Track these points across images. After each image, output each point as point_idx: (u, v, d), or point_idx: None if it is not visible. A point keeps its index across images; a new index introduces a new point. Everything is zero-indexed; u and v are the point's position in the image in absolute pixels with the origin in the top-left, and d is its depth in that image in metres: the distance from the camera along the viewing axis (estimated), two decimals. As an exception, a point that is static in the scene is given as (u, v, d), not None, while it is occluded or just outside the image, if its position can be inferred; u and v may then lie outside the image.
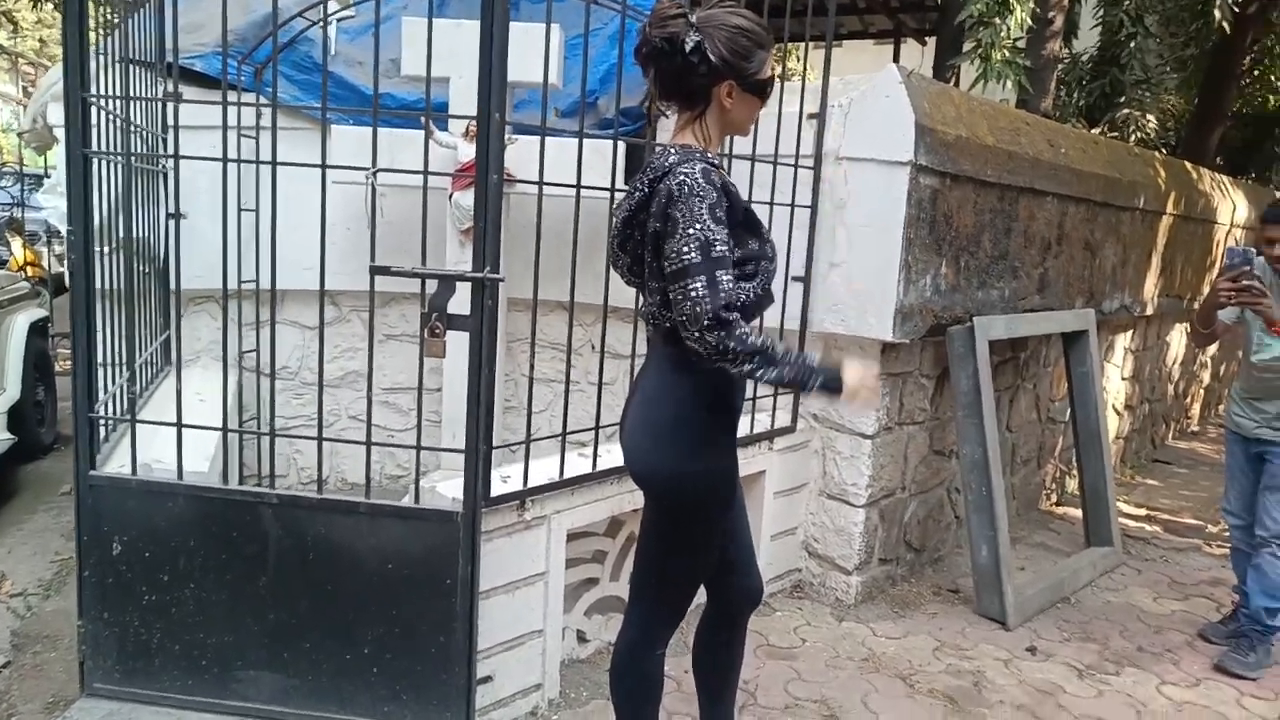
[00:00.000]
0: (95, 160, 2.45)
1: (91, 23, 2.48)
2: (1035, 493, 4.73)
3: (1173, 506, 5.09)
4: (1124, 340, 5.28)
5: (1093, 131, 5.58)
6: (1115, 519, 4.12)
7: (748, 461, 3.21)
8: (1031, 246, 3.79)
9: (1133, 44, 5.63)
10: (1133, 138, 5.74)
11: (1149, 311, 5.16)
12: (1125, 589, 3.84)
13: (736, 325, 1.63)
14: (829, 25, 3.31)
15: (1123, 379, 5.38)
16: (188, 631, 2.47)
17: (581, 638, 2.95)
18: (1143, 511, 4.96)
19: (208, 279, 2.65)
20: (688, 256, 1.65)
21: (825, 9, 3.28)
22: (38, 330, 4.83)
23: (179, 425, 2.46)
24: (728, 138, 1.99)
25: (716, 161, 1.81)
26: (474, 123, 3.17)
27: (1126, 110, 5.69)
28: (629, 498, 2.85)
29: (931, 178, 3.17)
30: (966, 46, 4.36)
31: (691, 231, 1.65)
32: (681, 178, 1.69)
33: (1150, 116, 5.73)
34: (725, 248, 1.66)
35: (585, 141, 2.56)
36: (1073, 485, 4.96)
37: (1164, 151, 6.04)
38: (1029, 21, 4.32)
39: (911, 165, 3.07)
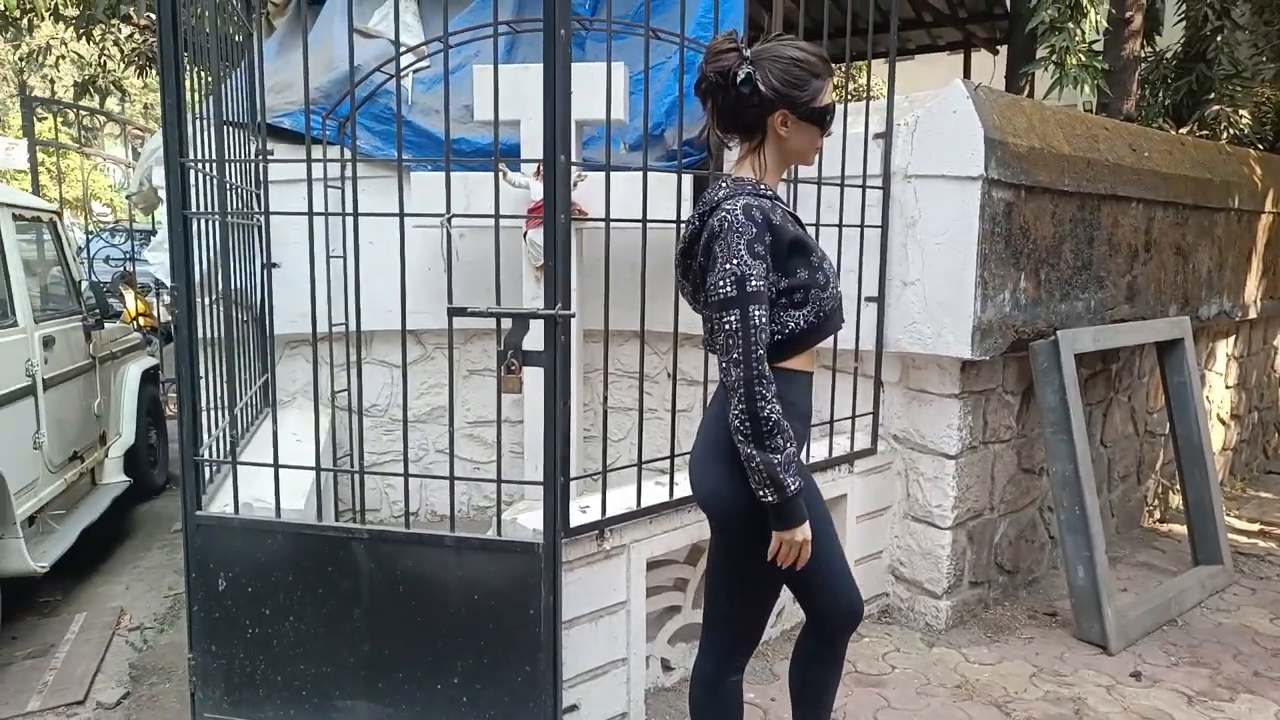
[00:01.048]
0: (194, 220, 2.62)
1: (189, 86, 2.67)
2: (1136, 510, 4.52)
3: (1290, 520, 4.79)
4: (1226, 346, 5.02)
5: (1181, 131, 5.36)
6: (1224, 535, 3.91)
7: (828, 485, 3.19)
8: (1117, 255, 3.66)
9: (1219, 37, 5.40)
10: (1225, 135, 5.48)
11: (1252, 315, 4.90)
12: (1238, 610, 3.63)
13: (760, 377, 1.73)
14: (891, 41, 3.30)
15: (1227, 387, 5.11)
16: (289, 663, 2.59)
17: (666, 666, 2.97)
18: (1255, 526, 4.68)
19: (301, 324, 2.79)
20: (724, 290, 1.74)
21: (888, 26, 3.28)
22: (149, 378, 5.15)
23: (276, 465, 2.60)
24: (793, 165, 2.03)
25: (769, 193, 1.86)
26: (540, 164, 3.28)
27: (1217, 107, 5.45)
28: (708, 525, 2.85)
29: (1005, 191, 3.11)
30: (1040, 53, 4.25)
31: (729, 267, 1.74)
32: (724, 214, 1.77)
33: (1243, 111, 5.48)
34: (762, 283, 1.74)
35: (652, 174, 2.61)
36: (1177, 501, 4.72)
37: (1261, 147, 5.75)
38: (1104, 23, 4.20)
39: (983, 179, 3.02)
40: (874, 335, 3.29)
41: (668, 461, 2.77)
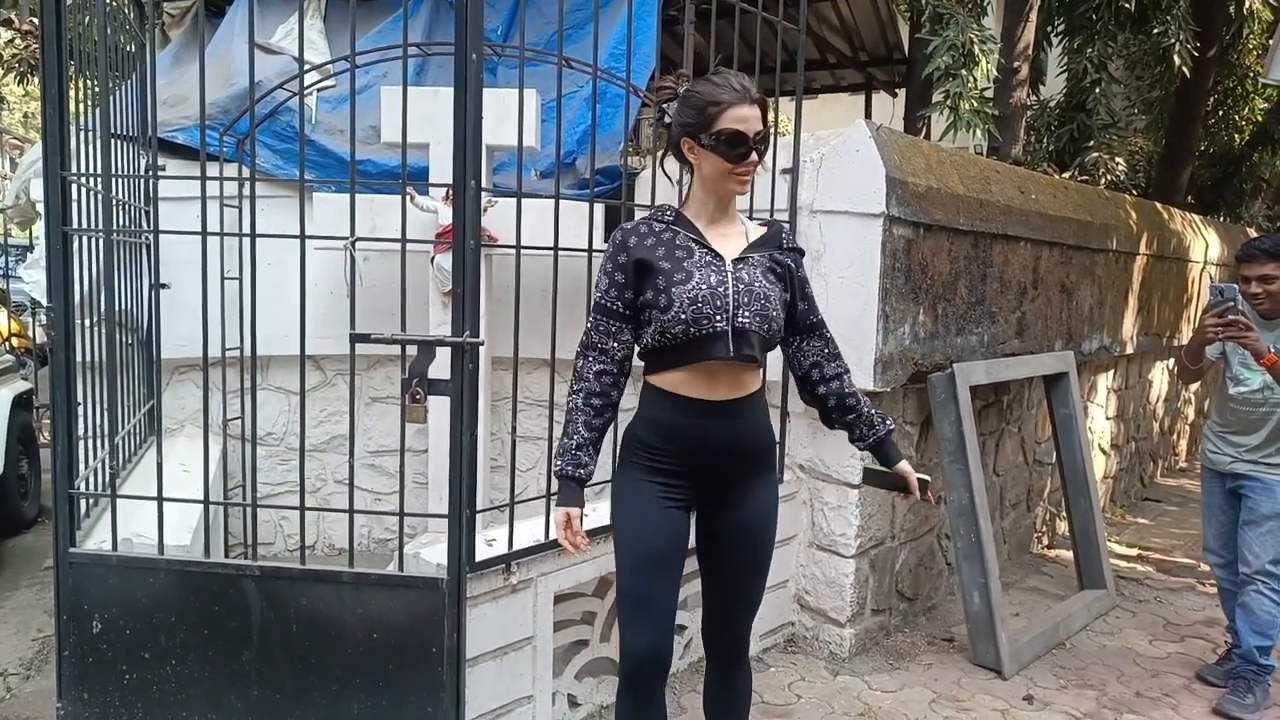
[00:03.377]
0: (75, 237, 2.46)
1: (74, 97, 2.52)
2: (1026, 536, 4.72)
3: (1164, 545, 5.08)
4: (1106, 380, 5.32)
5: (1064, 175, 5.69)
6: (1107, 560, 4.11)
7: (735, 515, 3.20)
8: (1008, 291, 3.84)
9: (1098, 89, 5.78)
10: (1103, 180, 5.85)
11: (1129, 350, 5.21)
12: (1120, 632, 3.81)
13: (579, 365, 2.05)
14: (798, 80, 3.39)
15: (1107, 418, 5.41)
16: (170, 710, 2.43)
17: (573, 702, 2.91)
18: (1134, 551, 4.94)
19: (191, 348, 2.66)
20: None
21: (794, 65, 3.37)
22: (21, 403, 4.81)
23: (159, 499, 2.44)
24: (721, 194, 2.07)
25: (667, 216, 2.03)
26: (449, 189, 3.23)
27: (1096, 154, 5.81)
28: (610, 559, 2.82)
29: (905, 228, 3.22)
30: (935, 98, 4.46)
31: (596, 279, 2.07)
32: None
33: (1119, 159, 5.86)
34: (600, 294, 2.02)
35: (564, 202, 2.60)
36: (1063, 527, 4.94)
37: (1134, 193, 6.16)
38: (994, 72, 4.44)
39: (884, 217, 3.13)
40: (779, 366, 3.33)
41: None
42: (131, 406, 3.33)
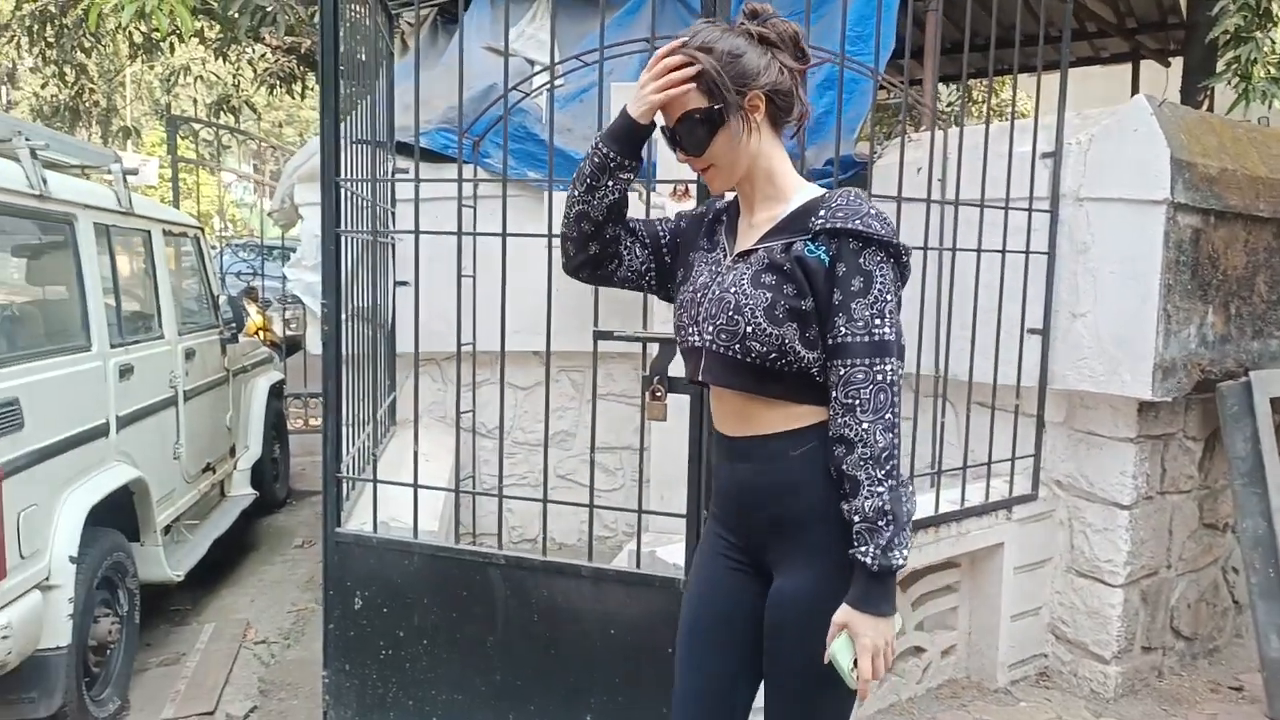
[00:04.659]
0: (345, 238, 2.61)
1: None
2: (1320, 572, 4.07)
3: None
4: None
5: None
6: None
7: (984, 533, 2.95)
8: (1316, 288, 3.31)
9: None
10: None
11: None
12: None
13: None
14: (1064, 54, 3.07)
15: None
16: (420, 687, 2.53)
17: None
18: None
19: (429, 343, 2.74)
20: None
21: (1044, 38, 3.05)
22: (275, 392, 5.26)
23: (415, 485, 2.54)
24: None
25: (725, 203, 1.68)
26: (680, 184, 3.18)
27: None
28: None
29: (1192, 216, 2.83)
30: (1220, 66, 3.93)
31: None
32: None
33: None
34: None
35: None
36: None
37: None
38: (1294, 33, 3.86)
39: (1168, 204, 2.76)
40: (1037, 371, 3.04)
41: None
42: (379, 399, 3.53)
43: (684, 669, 1.64)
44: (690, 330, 1.55)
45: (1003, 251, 2.92)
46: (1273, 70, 3.68)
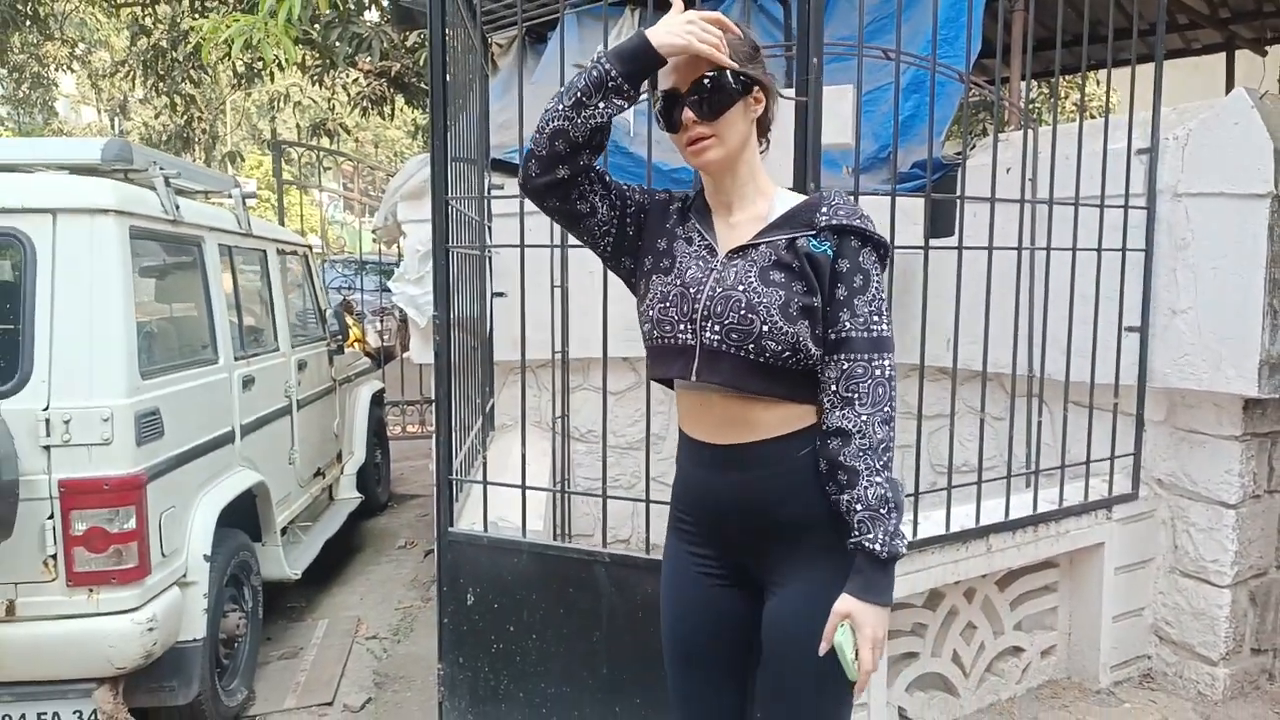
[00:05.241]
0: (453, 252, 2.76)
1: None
2: None
3: None
4: None
5: None
6: None
7: (1084, 532, 2.93)
8: None
9: None
10: None
11: None
12: None
13: None
14: (1158, 47, 3.03)
15: None
16: (530, 680, 2.64)
17: (903, 715, 2.80)
18: None
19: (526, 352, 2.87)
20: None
21: (1153, 30, 3.02)
22: (376, 400, 5.51)
23: (523, 487, 2.67)
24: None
25: (687, 196, 1.64)
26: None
27: None
28: (951, 568, 2.69)
29: (1298, 209, 2.77)
30: (1318, 56, 3.81)
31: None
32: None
33: None
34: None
35: (881, 198, 2.53)
36: None
37: None
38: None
39: (1272, 197, 2.71)
40: (1135, 369, 3.00)
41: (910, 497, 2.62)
42: (479, 404, 3.69)
43: (683, 698, 1.62)
44: (682, 327, 1.47)
45: (1099, 250, 2.90)
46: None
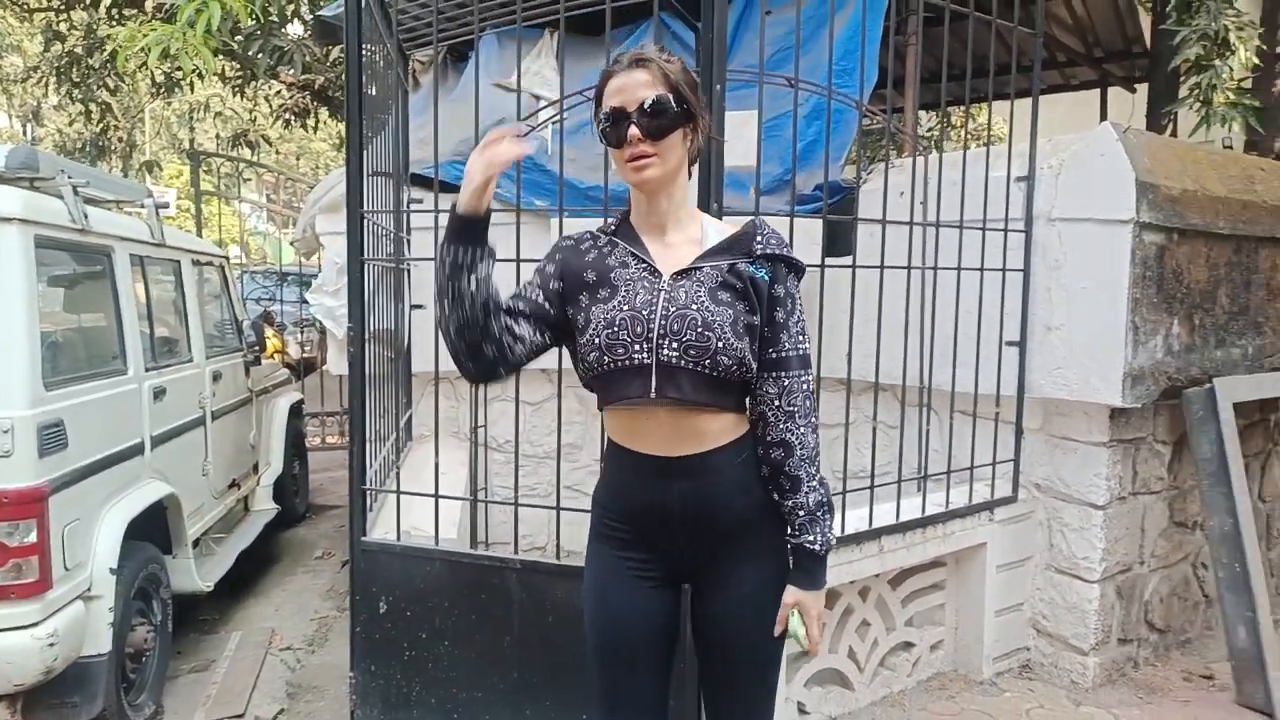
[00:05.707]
0: (369, 266, 2.82)
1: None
2: (1297, 570, 4.24)
3: None
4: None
5: (1337, 169, 5.08)
6: (1403, 601, 3.62)
7: (968, 534, 3.13)
8: (1277, 299, 3.50)
9: (1379, 71, 5.13)
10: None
11: None
12: None
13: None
14: (1035, 83, 3.28)
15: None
16: (442, 686, 2.70)
17: (802, 709, 2.94)
18: None
19: (442, 363, 2.92)
20: None
21: (1029, 66, 3.26)
22: (294, 411, 5.47)
23: (436, 496, 2.74)
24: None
25: (607, 227, 1.71)
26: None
27: (1377, 143, 5.16)
28: (847, 569, 2.85)
29: (1156, 234, 3.03)
30: (1183, 92, 4.15)
31: None
32: None
33: None
34: (520, 287, 1.71)
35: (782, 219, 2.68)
36: (1343, 562, 4.40)
37: None
38: (1255, 60, 4.06)
39: (1134, 223, 2.96)
40: (1015, 380, 3.23)
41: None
42: (397, 415, 3.73)
43: (610, 695, 1.69)
44: (637, 347, 1.53)
45: (981, 269, 3.12)
46: (1231, 95, 3.89)
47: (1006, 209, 3.16)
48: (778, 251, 1.60)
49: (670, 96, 1.52)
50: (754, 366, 1.58)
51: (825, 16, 3.04)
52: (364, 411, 2.76)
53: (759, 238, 1.60)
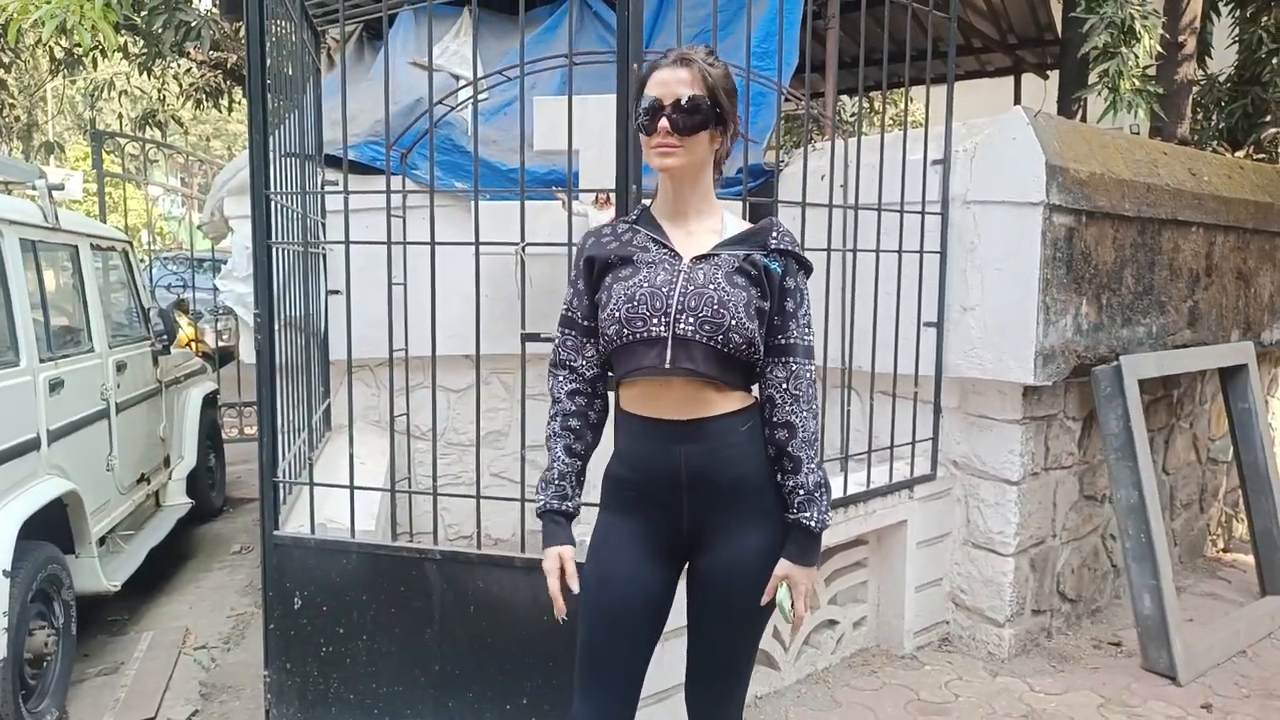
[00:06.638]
0: (276, 249, 2.71)
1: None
2: (1199, 539, 4.44)
3: (1359, 551, 4.66)
4: (1288, 372, 4.93)
5: (1237, 154, 5.30)
6: (1293, 565, 3.82)
7: (889, 511, 3.18)
8: (1178, 279, 3.64)
9: (1275, 60, 5.36)
10: (1282, 158, 5.42)
11: (1315, 340, 4.81)
12: (1312, 642, 3.54)
13: (551, 385, 1.83)
14: (950, 69, 3.32)
15: (1290, 414, 5.02)
16: (361, 681, 2.64)
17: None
18: (1324, 557, 4.56)
19: (361, 349, 2.86)
20: None
21: (944, 52, 3.30)
22: (209, 402, 5.27)
23: (351, 487, 2.66)
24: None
25: (628, 215, 1.85)
26: (601, 193, 3.35)
27: (1274, 130, 5.39)
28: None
29: (1066, 216, 3.11)
30: (1092, 78, 4.27)
31: None
32: None
33: (1300, 134, 5.41)
34: (565, 305, 1.82)
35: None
36: (1242, 530, 4.63)
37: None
38: (1157, 48, 4.20)
39: (1044, 205, 3.03)
40: (933, 360, 3.29)
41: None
42: (312, 404, 3.61)
43: (599, 660, 1.77)
44: (655, 321, 1.64)
45: (899, 251, 3.16)
46: (1138, 82, 4.02)
47: (924, 192, 3.20)
48: (790, 248, 1.73)
49: (706, 99, 1.64)
50: (761, 349, 1.70)
51: (745, -2, 3.03)
52: (274, 401, 2.66)
53: (774, 234, 1.74)
